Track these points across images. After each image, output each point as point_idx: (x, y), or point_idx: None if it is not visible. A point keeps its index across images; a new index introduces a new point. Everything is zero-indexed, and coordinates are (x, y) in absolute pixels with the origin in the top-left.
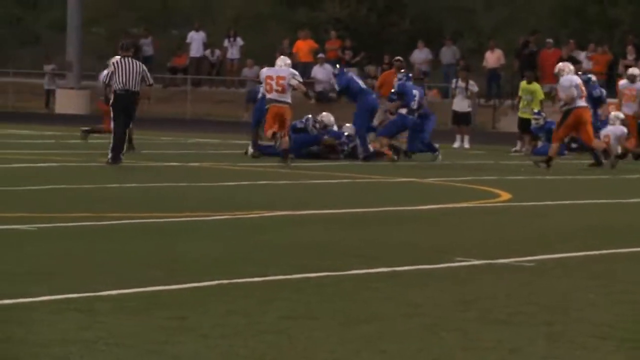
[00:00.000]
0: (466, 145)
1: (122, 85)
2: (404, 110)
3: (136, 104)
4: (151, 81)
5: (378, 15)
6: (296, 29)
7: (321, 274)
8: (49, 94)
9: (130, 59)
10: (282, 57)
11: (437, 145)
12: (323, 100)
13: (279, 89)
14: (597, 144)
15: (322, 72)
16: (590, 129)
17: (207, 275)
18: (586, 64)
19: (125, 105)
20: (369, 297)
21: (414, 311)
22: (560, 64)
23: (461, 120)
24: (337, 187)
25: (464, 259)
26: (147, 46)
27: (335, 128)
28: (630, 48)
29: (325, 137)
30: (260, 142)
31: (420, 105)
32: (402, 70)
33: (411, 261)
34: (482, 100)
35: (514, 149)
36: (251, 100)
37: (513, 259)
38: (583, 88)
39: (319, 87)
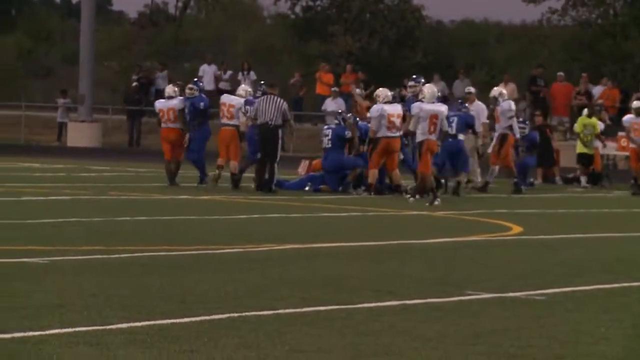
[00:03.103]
0: (478, 178)
1: (263, 119)
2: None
3: (276, 138)
4: (288, 117)
5: (390, 49)
6: (308, 62)
7: (332, 307)
8: (62, 127)
9: (273, 96)
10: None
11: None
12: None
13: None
14: (396, 176)
15: (333, 106)
16: (395, 157)
17: (218, 309)
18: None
19: (265, 138)
20: (380, 331)
21: (424, 345)
22: (379, 89)
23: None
24: (347, 220)
25: (475, 293)
26: (162, 80)
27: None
28: None
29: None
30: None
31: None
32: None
33: (422, 295)
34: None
35: (582, 185)
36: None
37: (524, 293)
38: (394, 119)
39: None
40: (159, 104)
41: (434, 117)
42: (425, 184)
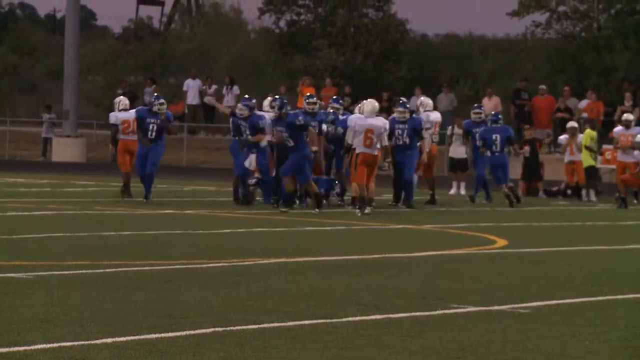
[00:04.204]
0: (462, 191)
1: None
2: None
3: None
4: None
5: (374, 63)
6: (292, 76)
7: (317, 322)
8: (47, 142)
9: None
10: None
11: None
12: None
13: None
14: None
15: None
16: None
17: (203, 323)
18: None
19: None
20: (365, 345)
21: (409, 359)
22: (364, 101)
23: (458, 166)
24: (332, 234)
25: (460, 306)
26: (149, 95)
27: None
28: (627, 95)
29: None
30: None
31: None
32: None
33: (407, 308)
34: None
35: (590, 199)
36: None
37: (509, 306)
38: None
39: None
40: (122, 114)
41: (369, 131)
42: (359, 194)
